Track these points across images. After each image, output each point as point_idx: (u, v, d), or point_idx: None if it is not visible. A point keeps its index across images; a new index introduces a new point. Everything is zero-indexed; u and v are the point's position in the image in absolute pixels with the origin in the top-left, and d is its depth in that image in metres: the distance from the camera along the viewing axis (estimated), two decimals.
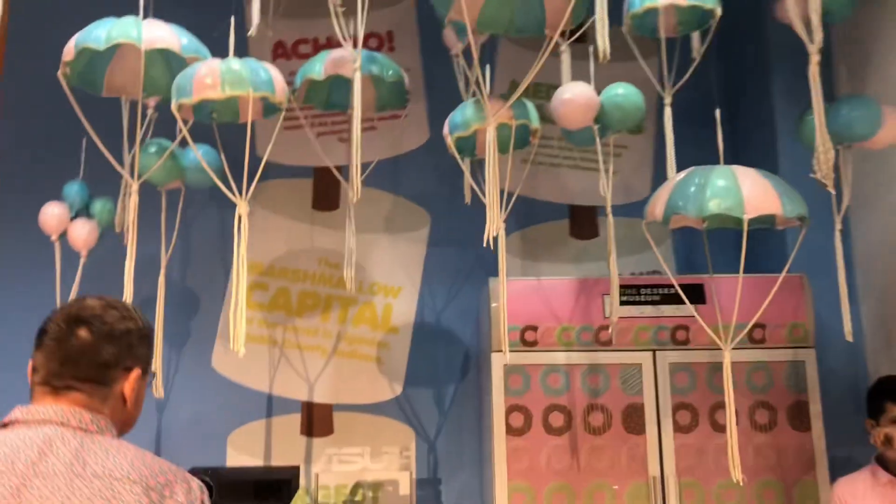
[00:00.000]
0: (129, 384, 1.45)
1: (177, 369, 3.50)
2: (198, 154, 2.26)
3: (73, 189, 2.86)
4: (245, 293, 2.06)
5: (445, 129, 2.28)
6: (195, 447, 3.40)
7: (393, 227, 3.71)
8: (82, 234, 2.82)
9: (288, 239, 3.67)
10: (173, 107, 2.00)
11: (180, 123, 2.04)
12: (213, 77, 1.87)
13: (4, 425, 1.36)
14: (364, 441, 3.47)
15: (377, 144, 3.70)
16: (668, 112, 2.43)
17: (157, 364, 2.59)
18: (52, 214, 2.82)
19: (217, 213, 3.63)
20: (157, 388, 2.54)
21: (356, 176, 2.05)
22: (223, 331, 3.56)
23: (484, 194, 2.10)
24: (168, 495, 1.33)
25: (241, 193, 2.04)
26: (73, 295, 2.85)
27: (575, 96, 2.10)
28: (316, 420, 3.51)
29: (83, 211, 2.88)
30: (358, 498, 3.41)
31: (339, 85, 2.62)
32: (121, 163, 2.37)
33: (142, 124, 2.26)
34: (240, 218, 2.02)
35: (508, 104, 2.10)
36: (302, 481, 3.28)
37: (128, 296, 2.31)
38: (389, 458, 3.43)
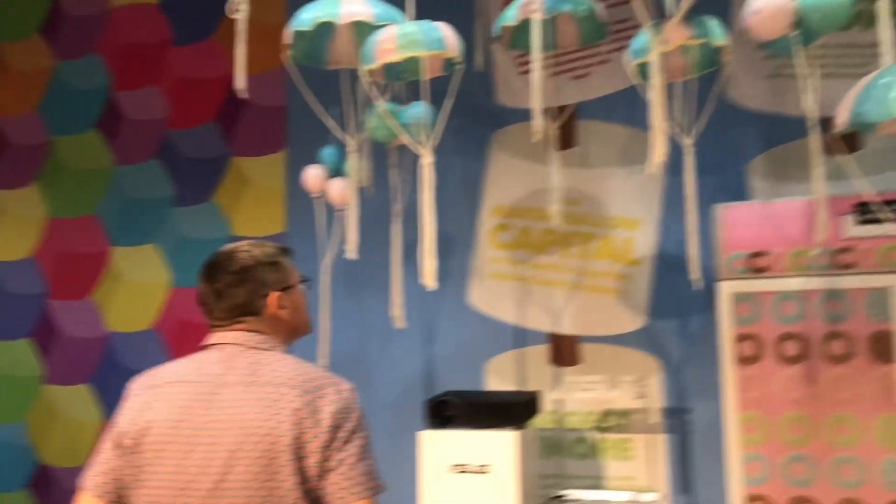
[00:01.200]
0: (272, 306, 1.73)
1: (438, 304, 3.75)
2: (383, 109, 2.40)
3: (328, 152, 3.19)
4: (434, 238, 2.18)
5: (627, 56, 2.20)
6: (456, 374, 3.66)
7: (630, 160, 3.61)
8: (339, 191, 3.14)
9: (528, 180, 3.74)
10: (362, 72, 2.16)
11: (372, 86, 2.20)
12: (390, 42, 2.00)
13: (202, 347, 1.74)
14: (608, 371, 3.48)
15: (608, 78, 3.61)
16: None
17: (397, 300, 2.85)
18: (312, 175, 3.18)
19: (461, 162, 3.79)
20: (399, 321, 2.80)
21: (540, 117, 2.06)
22: (476, 269, 3.75)
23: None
24: (320, 395, 1.60)
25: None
26: (334, 243, 3.21)
27: (764, 6, 1.90)
28: (562, 350, 3.58)
29: (338, 171, 3.20)
30: (607, 424, 3.45)
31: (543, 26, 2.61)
32: (348, 125, 2.61)
33: (374, 90, 2.44)
34: (424, 168, 2.14)
35: (675, 21, 1.96)
36: (544, 406, 3.40)
37: (352, 242, 2.57)
38: (630, 387, 3.42)
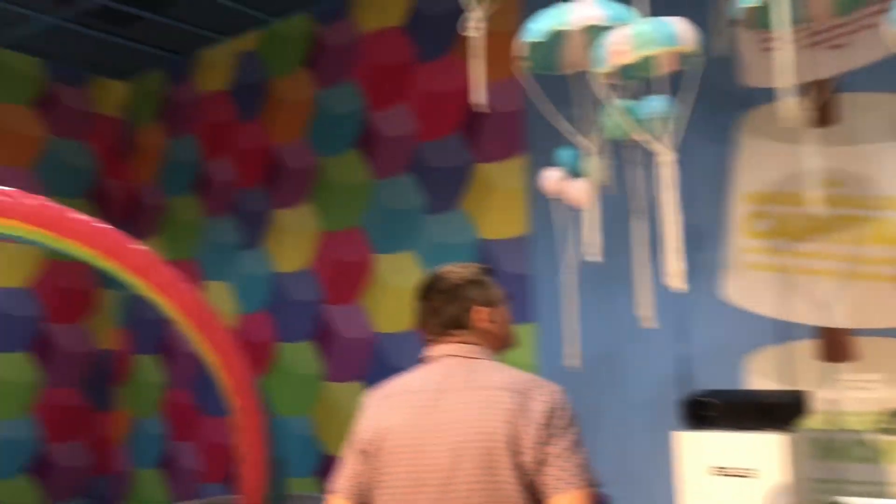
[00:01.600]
0: (482, 320, 1.89)
1: (690, 300, 3.60)
2: (618, 111, 2.32)
3: (565, 153, 3.18)
4: (679, 238, 2.08)
5: (887, 25, 1.94)
6: (711, 373, 3.49)
7: None
8: (577, 191, 3.12)
9: (784, 163, 3.46)
10: (594, 76, 2.12)
11: (604, 90, 2.15)
12: (623, 43, 1.94)
13: (421, 360, 1.92)
14: (889, 368, 3.13)
15: (873, 45, 3.24)
16: None
17: (644, 300, 2.76)
18: (550, 178, 3.19)
19: (711, 149, 3.60)
20: (647, 320, 2.72)
21: (792, 97, 1.89)
22: (729, 261, 3.55)
23: None
24: (531, 397, 1.72)
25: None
26: (576, 244, 3.19)
27: None
28: (833, 345, 3.28)
29: (576, 171, 3.18)
30: (891, 425, 3.10)
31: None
32: (585, 126, 2.58)
33: (608, 91, 2.41)
34: (663, 166, 2.05)
35: None
36: (814, 406, 3.12)
37: (593, 244, 2.53)
38: None
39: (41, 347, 5.67)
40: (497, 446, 1.68)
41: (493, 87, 4.25)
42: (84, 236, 3.51)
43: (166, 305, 3.63)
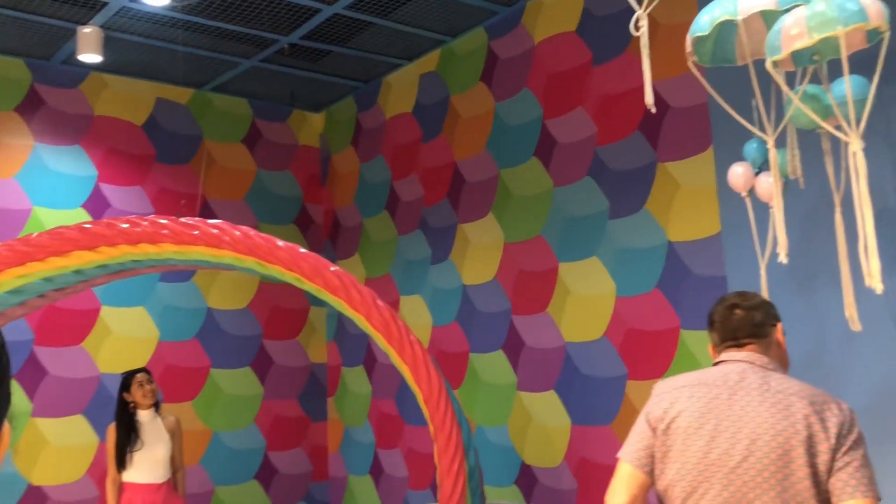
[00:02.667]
0: (778, 334, 2.09)
1: None
2: (794, 99, 2.11)
3: (752, 147, 2.97)
4: (873, 234, 1.86)
5: None
6: None
7: None
8: (767, 186, 2.90)
9: None
10: (767, 65, 1.95)
11: (779, 81, 1.97)
12: (798, 27, 1.77)
13: (716, 363, 2.10)
14: None
15: None
16: None
17: (849, 299, 2.50)
18: (737, 174, 2.99)
19: None
20: (854, 322, 2.46)
21: None
22: None
23: None
24: (826, 408, 1.88)
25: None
26: (769, 242, 2.96)
27: None
28: None
29: (764, 165, 2.96)
30: None
31: None
32: (769, 116, 2.39)
33: (785, 80, 2.23)
34: (853, 154, 1.83)
35: None
36: None
37: (782, 244, 2.32)
38: None
39: (261, 363, 6.17)
40: (794, 445, 1.84)
41: (674, 82, 4.08)
42: (286, 261, 3.76)
43: (362, 322, 3.81)
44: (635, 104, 4.27)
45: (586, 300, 4.46)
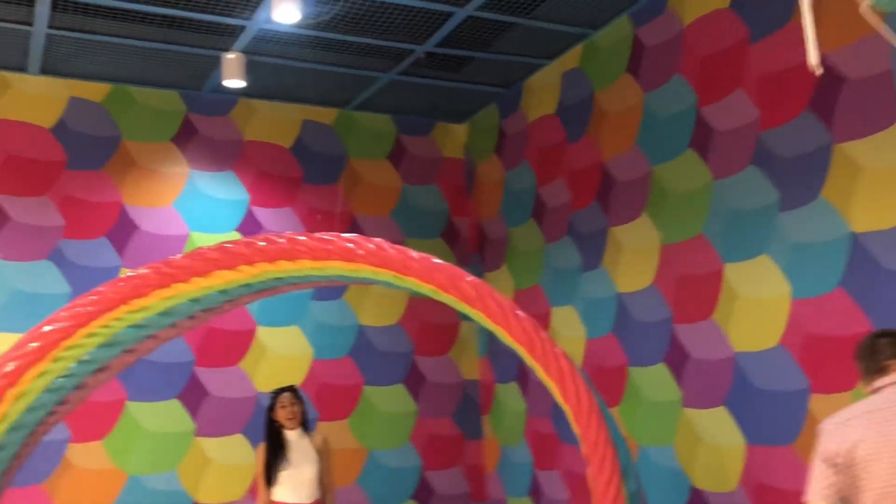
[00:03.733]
0: None
1: None
2: None
3: None
4: None
5: None
6: None
7: None
8: None
9: None
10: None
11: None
12: None
13: (873, 391, 2.30)
14: None
15: None
16: None
17: None
18: None
19: None
20: None
21: None
22: None
23: None
24: None
25: None
26: None
27: None
28: None
29: None
30: None
31: None
32: None
33: None
34: None
35: None
36: None
37: None
38: None
39: (414, 380, 6.07)
40: None
41: (849, 50, 3.55)
42: (421, 273, 3.60)
43: (502, 334, 3.57)
44: (802, 81, 3.77)
45: (757, 304, 3.97)
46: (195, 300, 3.92)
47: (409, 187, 6.33)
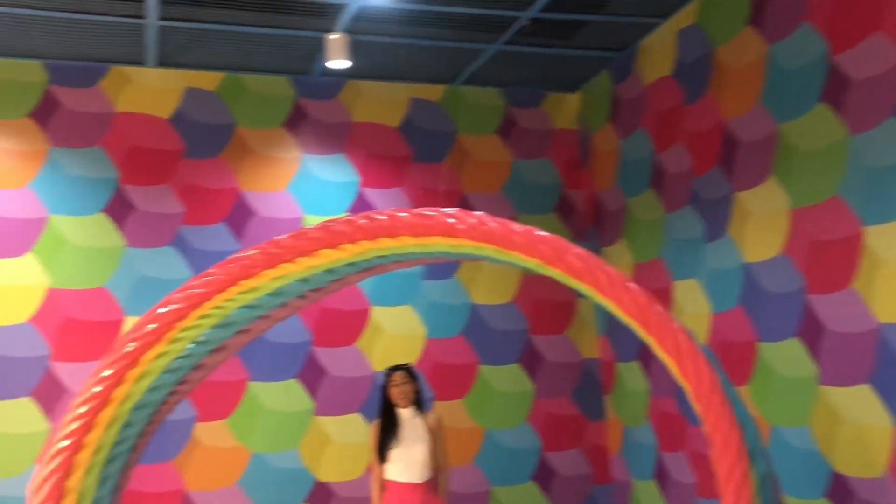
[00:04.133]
0: None
1: None
2: None
3: None
4: None
5: None
6: None
7: None
8: None
9: None
10: None
11: None
12: None
13: None
14: None
15: None
16: None
17: None
18: None
19: None
20: None
21: None
22: None
23: None
24: None
25: None
26: None
27: None
28: None
29: None
30: None
31: None
32: None
33: None
34: None
35: None
36: None
37: None
38: None
39: (530, 359, 5.92)
40: None
41: None
42: (524, 246, 3.44)
43: (614, 308, 3.36)
44: None
45: None
46: (304, 280, 3.94)
47: (520, 162, 6.16)
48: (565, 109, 6.35)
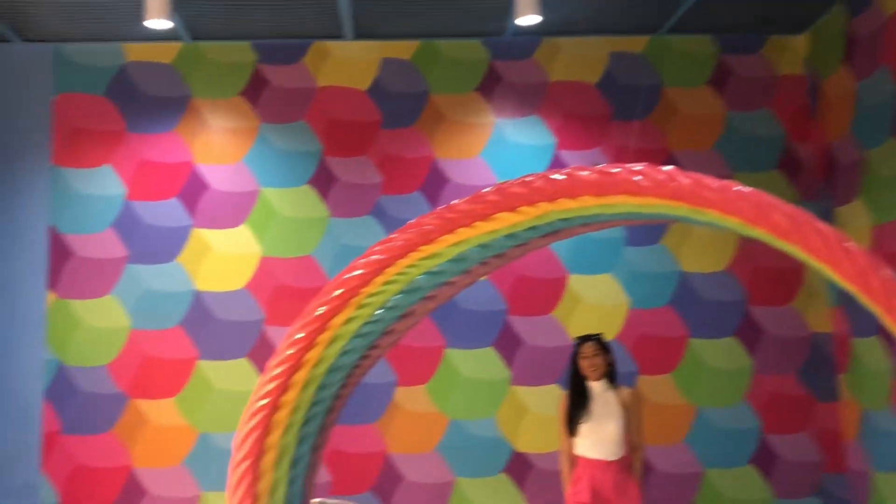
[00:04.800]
0: None
1: None
2: None
3: None
4: None
5: None
6: None
7: None
8: None
9: None
10: None
11: None
12: None
13: None
14: None
15: None
16: None
17: None
18: None
19: None
20: None
21: None
22: None
23: None
24: None
25: None
26: None
27: None
28: None
29: None
30: None
31: None
32: None
33: None
34: None
35: None
36: None
37: None
38: None
39: (748, 332, 5.36)
40: None
41: None
42: (721, 203, 3.02)
43: (829, 273, 2.87)
44: None
45: None
46: (484, 246, 3.79)
47: (735, 114, 5.56)
48: (790, 53, 5.62)
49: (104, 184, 5.33)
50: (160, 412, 5.14)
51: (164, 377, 5.17)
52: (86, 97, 5.41)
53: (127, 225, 5.29)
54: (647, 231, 5.38)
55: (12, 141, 5.34)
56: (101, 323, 5.20)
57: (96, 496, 5.04)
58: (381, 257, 3.84)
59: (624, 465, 3.88)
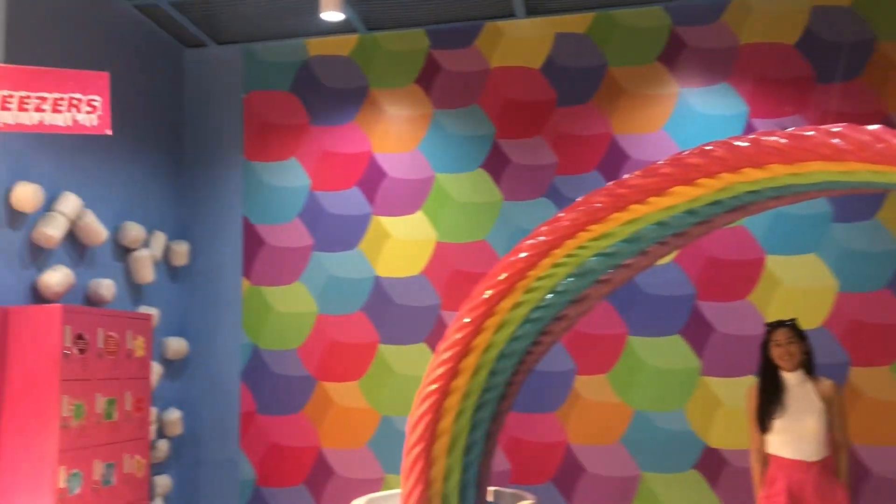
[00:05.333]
0: None
1: None
2: None
3: None
4: None
5: None
6: None
7: None
8: None
9: None
10: None
11: None
12: None
13: None
14: None
15: None
16: None
17: None
18: None
19: None
20: None
21: None
22: None
23: None
24: None
25: None
26: None
27: None
28: None
29: None
30: None
31: None
32: None
33: None
34: None
35: None
36: None
37: None
38: None
39: None
40: None
41: None
42: None
43: None
44: None
45: None
46: (661, 223, 3.50)
47: None
48: None
49: (291, 176, 5.57)
50: (345, 395, 5.29)
51: (348, 361, 5.33)
52: (273, 93, 5.68)
53: (312, 214, 5.50)
54: (859, 204, 4.76)
55: (210, 138, 5.72)
56: (291, 308, 5.45)
57: (287, 473, 5.30)
58: (547, 238, 3.66)
59: (827, 467, 3.43)
